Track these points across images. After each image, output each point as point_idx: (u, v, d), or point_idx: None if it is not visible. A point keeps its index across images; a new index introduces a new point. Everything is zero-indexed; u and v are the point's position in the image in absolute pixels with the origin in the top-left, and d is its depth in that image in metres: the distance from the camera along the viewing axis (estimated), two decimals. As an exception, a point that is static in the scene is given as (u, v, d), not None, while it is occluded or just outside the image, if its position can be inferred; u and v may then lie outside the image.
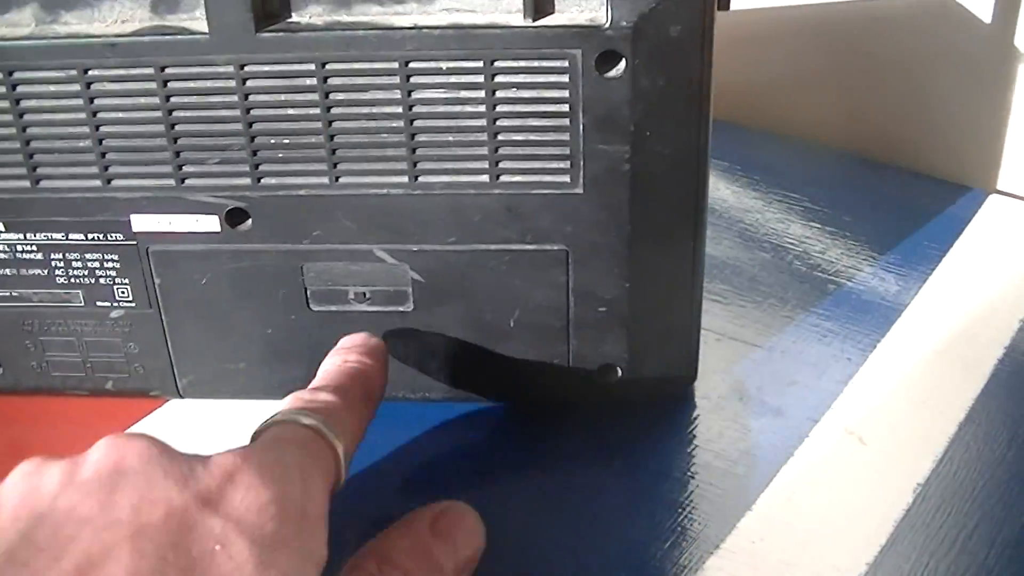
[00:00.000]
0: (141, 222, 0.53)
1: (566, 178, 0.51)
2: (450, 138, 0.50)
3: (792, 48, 0.82)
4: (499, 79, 0.49)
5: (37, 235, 0.54)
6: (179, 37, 0.49)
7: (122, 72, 0.50)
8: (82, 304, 0.56)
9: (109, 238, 0.54)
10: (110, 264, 0.55)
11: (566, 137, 0.50)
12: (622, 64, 0.48)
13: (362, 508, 0.52)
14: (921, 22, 0.77)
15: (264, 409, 0.56)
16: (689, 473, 0.54)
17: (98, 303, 0.56)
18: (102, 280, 0.55)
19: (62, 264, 0.55)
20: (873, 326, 0.62)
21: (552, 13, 0.48)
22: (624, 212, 0.51)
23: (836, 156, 0.79)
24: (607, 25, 0.47)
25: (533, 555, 0.50)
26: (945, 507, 0.52)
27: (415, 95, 0.49)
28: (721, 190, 0.73)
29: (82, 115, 0.51)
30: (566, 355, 0.55)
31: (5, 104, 0.51)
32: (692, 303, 0.54)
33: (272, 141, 0.51)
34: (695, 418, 0.57)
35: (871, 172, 0.78)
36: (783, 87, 0.82)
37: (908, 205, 0.74)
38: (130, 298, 0.55)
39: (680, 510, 0.52)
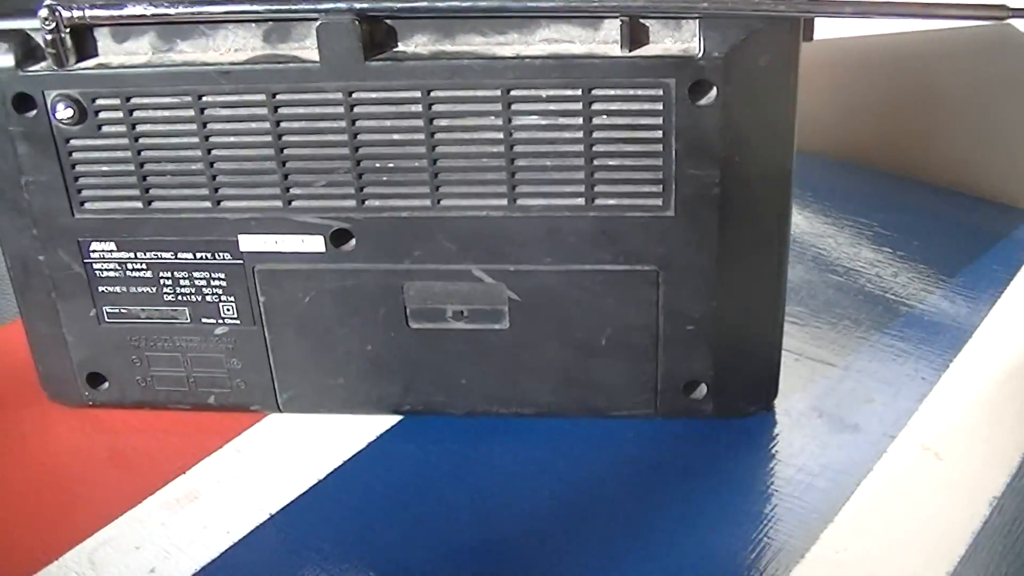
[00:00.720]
0: (249, 242, 0.56)
1: (658, 201, 0.53)
2: (548, 163, 0.52)
3: (860, 76, 0.83)
4: (596, 107, 0.51)
5: (147, 254, 0.57)
6: (291, 65, 0.51)
7: (235, 98, 0.52)
8: (188, 321, 0.58)
9: (217, 257, 0.56)
10: (217, 282, 0.57)
11: (659, 162, 0.52)
12: (713, 93, 0.50)
13: (454, 519, 0.55)
14: (985, 51, 0.79)
15: (359, 423, 0.59)
16: (772, 486, 0.56)
17: (203, 320, 0.58)
18: (208, 298, 0.57)
19: (170, 282, 0.57)
20: (945, 346, 0.64)
21: (647, 44, 0.50)
22: (713, 234, 0.53)
23: (903, 182, 0.81)
24: (700, 56, 0.50)
25: (621, 565, 0.52)
26: (1021, 519, 0.53)
27: (515, 121, 0.52)
28: (794, 215, 0.74)
29: (195, 139, 0.53)
30: (654, 372, 0.57)
31: (122, 129, 0.53)
32: (775, 322, 0.56)
33: (377, 165, 0.53)
34: (776, 434, 0.58)
35: (937, 198, 0.79)
36: (851, 114, 0.84)
37: (975, 230, 0.76)
38: (235, 315, 0.58)
39: (765, 522, 0.54)
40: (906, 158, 0.84)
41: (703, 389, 0.57)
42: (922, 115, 0.83)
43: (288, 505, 0.56)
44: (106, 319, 0.58)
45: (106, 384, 0.61)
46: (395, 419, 0.60)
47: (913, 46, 0.82)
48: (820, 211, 0.76)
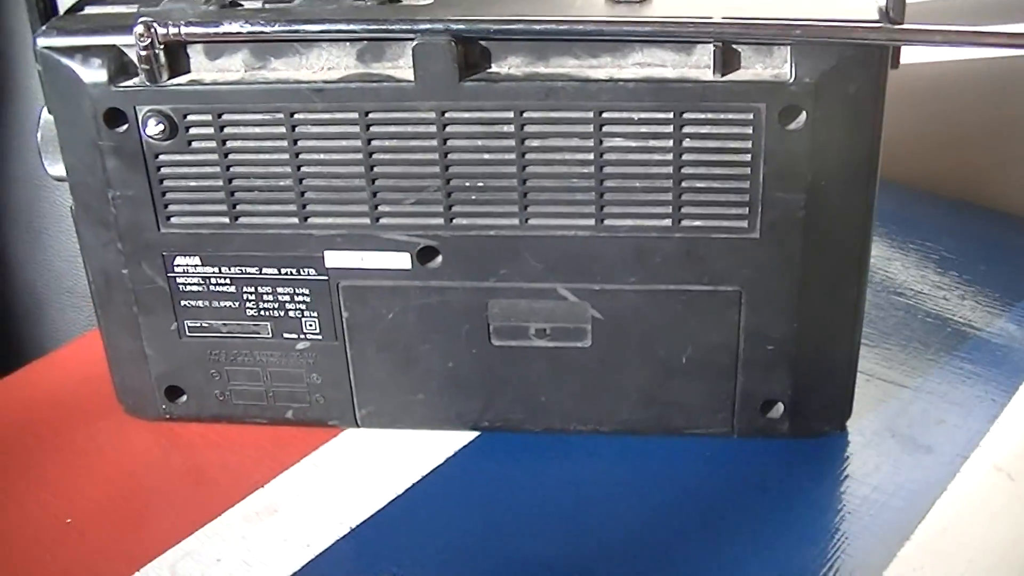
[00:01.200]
0: (334, 258, 0.56)
1: (744, 223, 0.53)
2: (636, 184, 0.53)
3: (928, 103, 0.84)
4: (686, 130, 0.52)
5: (232, 269, 0.57)
6: (385, 84, 0.52)
7: (327, 116, 0.53)
8: (270, 336, 0.59)
9: (302, 273, 0.57)
10: (300, 298, 0.57)
11: (746, 185, 0.53)
12: (803, 117, 0.51)
13: (531, 535, 0.55)
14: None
15: (437, 439, 0.59)
16: (847, 505, 0.56)
17: (285, 335, 0.58)
18: (291, 313, 0.58)
19: (253, 297, 0.58)
20: (1013, 369, 0.64)
21: (739, 69, 0.51)
22: (796, 257, 0.54)
23: (966, 209, 0.82)
24: (791, 81, 0.50)
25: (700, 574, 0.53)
26: (1096, 541, 0.54)
27: (606, 143, 0.52)
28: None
29: (285, 156, 0.54)
30: (732, 391, 0.58)
31: (211, 144, 0.54)
32: (852, 343, 0.57)
33: (467, 184, 0.53)
34: (850, 454, 0.59)
35: (1003, 224, 0.80)
36: (918, 141, 0.85)
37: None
38: (317, 331, 0.58)
39: (841, 539, 0.54)
40: (970, 185, 0.85)
41: (780, 408, 0.58)
42: (990, 143, 0.84)
43: (367, 520, 0.56)
44: (187, 333, 0.59)
45: (184, 397, 0.61)
46: (473, 435, 0.61)
47: (984, 72, 0.83)
48: (886, 235, 0.76)
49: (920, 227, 0.78)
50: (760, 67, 0.51)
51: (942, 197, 0.83)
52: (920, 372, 0.64)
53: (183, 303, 0.58)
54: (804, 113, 0.51)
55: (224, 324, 0.59)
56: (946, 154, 0.86)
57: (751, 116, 0.51)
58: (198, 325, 0.59)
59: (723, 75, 0.51)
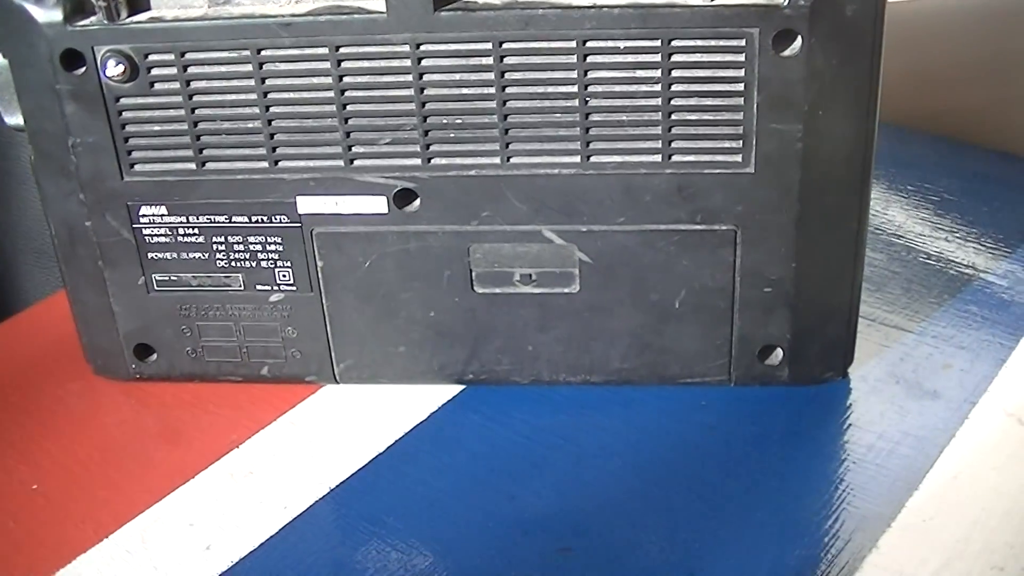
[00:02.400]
0: (307, 204, 0.53)
1: (738, 157, 0.51)
2: (624, 117, 0.50)
3: (926, 40, 0.82)
4: (676, 58, 0.49)
5: (200, 218, 0.55)
6: (355, 16, 0.49)
7: (295, 52, 0.50)
8: (242, 288, 0.56)
9: (273, 220, 0.54)
10: (273, 247, 0.55)
11: (740, 116, 0.50)
12: (798, 43, 0.48)
13: (521, 491, 0.53)
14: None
15: (420, 394, 0.57)
16: (853, 454, 0.54)
17: (258, 287, 0.56)
18: (263, 263, 0.55)
19: (223, 247, 0.55)
20: (1021, 311, 0.62)
21: (730, -8, 0.49)
22: (794, 192, 0.51)
23: (966, 149, 0.79)
24: (786, 4, 0.48)
25: (699, 536, 0.50)
26: (1111, 485, 0.52)
27: (591, 74, 0.50)
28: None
29: (252, 96, 0.51)
30: (729, 337, 0.55)
31: (175, 86, 0.51)
32: (854, 284, 0.54)
33: (445, 121, 0.51)
34: (853, 401, 0.57)
35: (1005, 164, 0.77)
36: (915, 79, 0.82)
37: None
38: (291, 281, 0.56)
39: (848, 490, 0.52)
40: (969, 124, 0.82)
41: (779, 354, 0.56)
42: (991, 80, 0.82)
43: (348, 479, 0.54)
44: (155, 287, 0.56)
45: (154, 356, 0.59)
46: (458, 389, 0.58)
47: (983, 7, 0.81)
48: (883, 176, 0.74)
49: (918, 168, 0.76)
50: (752, -11, 0.48)
51: (940, 137, 0.81)
52: (923, 316, 0.62)
53: (150, 255, 0.56)
54: (799, 38, 0.48)
55: (194, 277, 0.56)
56: (944, 92, 0.84)
57: (743, 42, 0.49)
58: (166, 279, 0.56)
59: (713, -1, 0.48)
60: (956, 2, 0.81)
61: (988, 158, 0.78)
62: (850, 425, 0.55)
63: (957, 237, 0.68)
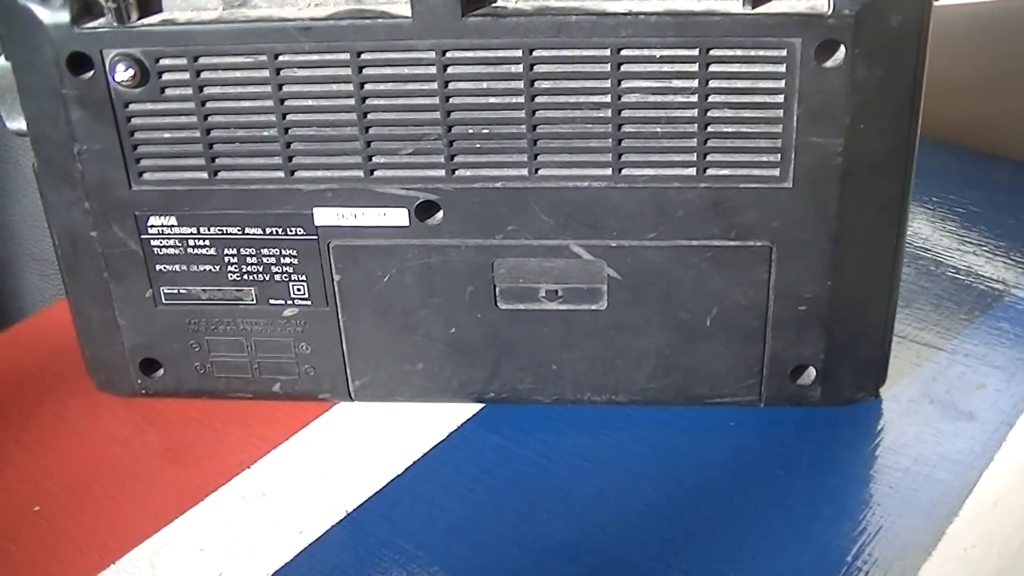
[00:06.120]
0: (324, 216, 0.52)
1: (775, 172, 0.49)
2: (658, 129, 0.49)
3: (950, 49, 0.80)
4: (713, 68, 0.47)
5: (211, 229, 0.53)
6: (379, 21, 0.47)
7: (315, 58, 0.48)
8: (254, 302, 0.54)
9: (288, 232, 0.52)
10: (287, 260, 0.53)
11: (778, 129, 0.48)
12: (841, 53, 0.47)
13: (543, 514, 0.51)
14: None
15: (439, 412, 0.55)
16: (889, 478, 0.52)
17: (271, 301, 0.54)
18: (277, 277, 0.53)
19: (235, 260, 0.53)
20: (1055, 329, 0.61)
21: (771, 0, 0.47)
22: (832, 208, 0.50)
23: (991, 160, 0.78)
24: (829, 13, 0.46)
25: (731, 556, 0.49)
26: None
27: (624, 84, 0.48)
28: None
29: (268, 103, 0.49)
30: (760, 356, 0.54)
31: (187, 91, 0.49)
32: (889, 302, 0.53)
33: (470, 131, 0.49)
34: (887, 423, 0.55)
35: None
36: (939, 90, 0.81)
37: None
38: (306, 296, 0.54)
39: (884, 516, 0.50)
40: (994, 135, 0.81)
41: (811, 374, 0.54)
42: (1016, 90, 0.80)
43: (365, 502, 0.52)
44: (163, 301, 0.54)
45: (161, 371, 0.57)
46: (477, 407, 0.57)
47: (1013, 16, 0.79)
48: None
49: (942, 179, 0.74)
50: (794, -2, 0.47)
51: (966, 148, 0.79)
52: (955, 333, 0.60)
53: (158, 268, 0.54)
54: (843, 48, 0.47)
55: (204, 290, 0.54)
56: (968, 103, 0.82)
57: (784, 52, 0.47)
58: (175, 292, 0.54)
59: (754, 7, 0.46)
60: (982, 9, 0.80)
61: (1013, 169, 0.77)
62: (885, 448, 0.54)
63: (985, 251, 0.67)
